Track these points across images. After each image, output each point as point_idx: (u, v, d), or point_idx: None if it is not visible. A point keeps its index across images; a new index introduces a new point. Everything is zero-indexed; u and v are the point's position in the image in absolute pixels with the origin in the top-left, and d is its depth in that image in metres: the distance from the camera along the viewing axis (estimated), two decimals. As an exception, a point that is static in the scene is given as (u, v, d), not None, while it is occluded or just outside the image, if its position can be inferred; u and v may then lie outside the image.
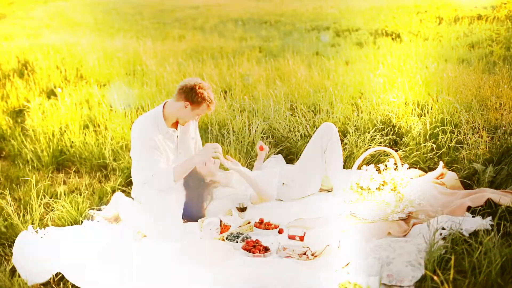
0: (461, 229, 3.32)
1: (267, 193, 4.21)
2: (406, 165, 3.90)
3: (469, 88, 5.49)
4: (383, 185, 3.77)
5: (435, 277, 2.77)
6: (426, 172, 4.72)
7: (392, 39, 11.57)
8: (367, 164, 4.14)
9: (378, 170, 3.91)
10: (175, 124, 4.25)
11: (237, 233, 3.79)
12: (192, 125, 4.42)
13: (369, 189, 3.79)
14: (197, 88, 4.05)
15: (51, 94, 7.94)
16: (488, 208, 3.67)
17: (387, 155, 4.76)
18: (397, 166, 4.01)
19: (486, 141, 4.55)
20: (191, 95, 4.05)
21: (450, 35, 10.83)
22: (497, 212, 3.49)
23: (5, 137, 6.11)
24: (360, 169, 3.95)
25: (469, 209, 3.70)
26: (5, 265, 3.39)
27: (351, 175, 3.93)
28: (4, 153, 5.85)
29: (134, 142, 4.16)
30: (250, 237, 3.74)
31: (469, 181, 4.34)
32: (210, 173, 4.32)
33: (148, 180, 4.10)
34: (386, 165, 3.86)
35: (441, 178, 4.47)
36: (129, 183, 4.81)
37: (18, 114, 7.07)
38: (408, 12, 15.01)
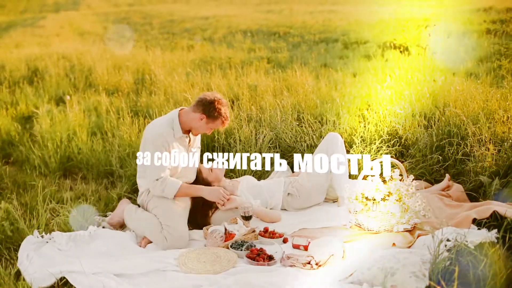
0: (467, 241, 3.30)
1: (273, 218, 4.32)
2: (412, 176, 3.88)
3: (477, 101, 5.47)
4: (388, 196, 3.76)
5: (438, 288, 2.76)
6: (432, 184, 4.71)
7: (400, 52, 11.56)
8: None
9: (384, 181, 3.90)
10: (187, 132, 4.27)
11: (241, 241, 3.79)
12: (199, 136, 4.44)
13: (374, 199, 3.78)
14: (216, 103, 4.08)
15: (60, 101, 8.01)
16: (494, 221, 3.65)
17: (393, 166, 4.74)
18: (402, 177, 4.00)
19: (493, 154, 4.54)
20: (209, 109, 4.08)
21: (459, 48, 10.82)
22: (502, 224, 3.47)
23: (14, 142, 6.16)
24: (366, 179, 3.94)
25: (474, 221, 3.69)
26: (10, 268, 3.41)
27: (356, 185, 3.92)
28: (12, 158, 5.90)
29: (146, 143, 4.13)
30: (255, 246, 3.73)
31: (475, 194, 4.32)
32: (216, 179, 4.33)
33: (151, 184, 4.10)
34: (391, 176, 3.85)
35: (447, 190, 4.45)
36: (135, 190, 4.83)
37: (27, 120, 7.14)
38: (417, 26, 15.02)
